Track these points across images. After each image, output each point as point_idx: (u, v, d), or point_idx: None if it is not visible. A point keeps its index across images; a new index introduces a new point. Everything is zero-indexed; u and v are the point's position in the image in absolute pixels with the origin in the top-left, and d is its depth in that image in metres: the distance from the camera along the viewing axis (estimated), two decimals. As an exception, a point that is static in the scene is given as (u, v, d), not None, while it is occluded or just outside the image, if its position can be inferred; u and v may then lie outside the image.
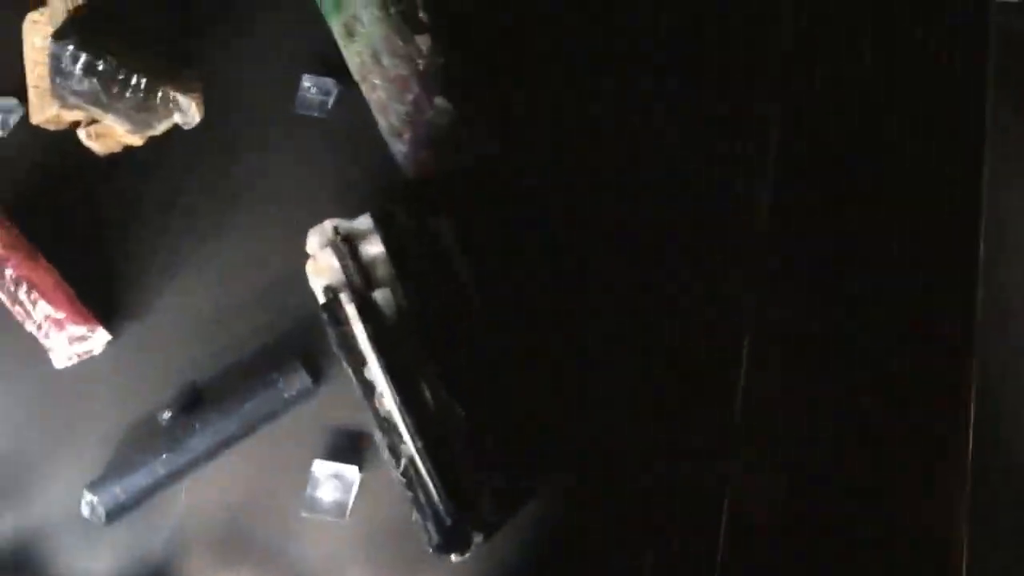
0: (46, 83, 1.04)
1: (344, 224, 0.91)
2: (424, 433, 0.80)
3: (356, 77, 1.04)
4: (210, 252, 1.01)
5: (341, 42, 1.03)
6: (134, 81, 0.99)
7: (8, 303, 0.96)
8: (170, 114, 1.01)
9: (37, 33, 1.05)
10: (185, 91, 1.01)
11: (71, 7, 1.02)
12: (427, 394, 0.82)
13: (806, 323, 0.88)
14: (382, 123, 1.02)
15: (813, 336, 0.88)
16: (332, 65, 1.05)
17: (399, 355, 0.83)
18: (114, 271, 1.01)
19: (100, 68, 0.99)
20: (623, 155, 0.98)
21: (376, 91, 1.02)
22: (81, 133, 1.04)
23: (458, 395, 0.82)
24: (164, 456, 0.88)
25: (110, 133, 1.04)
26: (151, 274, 1.00)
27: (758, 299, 0.89)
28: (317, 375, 0.93)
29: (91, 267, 1.00)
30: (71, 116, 1.05)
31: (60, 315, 0.93)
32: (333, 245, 0.89)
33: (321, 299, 0.90)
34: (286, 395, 0.91)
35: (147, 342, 0.98)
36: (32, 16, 1.05)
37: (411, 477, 0.81)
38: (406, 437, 0.81)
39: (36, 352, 0.96)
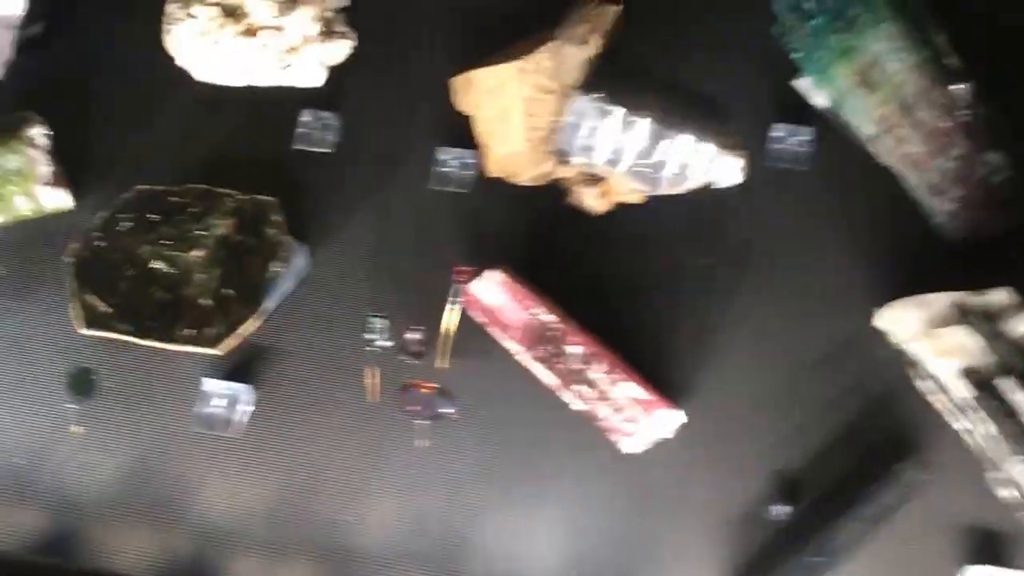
0: (538, 136, 0.94)
1: (970, 299, 0.82)
2: None
3: (872, 130, 0.95)
4: (739, 320, 0.91)
5: (847, 91, 0.95)
6: (667, 139, 0.89)
7: (564, 384, 0.83)
8: (706, 174, 0.91)
9: (526, 82, 0.94)
10: (726, 149, 0.91)
11: (589, 57, 0.92)
12: None
13: None
14: (914, 179, 0.93)
15: None
16: (796, 112, 0.98)
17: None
18: (653, 345, 0.89)
19: (631, 123, 0.89)
20: None
21: (906, 145, 0.93)
22: (588, 191, 0.93)
23: None
24: (810, 561, 0.76)
25: (611, 191, 0.94)
26: (687, 348, 0.89)
27: None
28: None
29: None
30: (562, 172, 0.95)
31: (648, 396, 0.81)
32: (971, 324, 0.80)
33: (956, 381, 0.80)
34: (905, 488, 0.80)
35: (706, 424, 0.86)
36: (519, 64, 0.94)
37: None
38: None
39: (596, 437, 0.84)
